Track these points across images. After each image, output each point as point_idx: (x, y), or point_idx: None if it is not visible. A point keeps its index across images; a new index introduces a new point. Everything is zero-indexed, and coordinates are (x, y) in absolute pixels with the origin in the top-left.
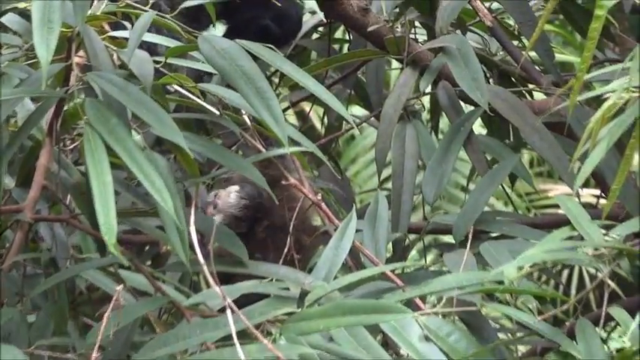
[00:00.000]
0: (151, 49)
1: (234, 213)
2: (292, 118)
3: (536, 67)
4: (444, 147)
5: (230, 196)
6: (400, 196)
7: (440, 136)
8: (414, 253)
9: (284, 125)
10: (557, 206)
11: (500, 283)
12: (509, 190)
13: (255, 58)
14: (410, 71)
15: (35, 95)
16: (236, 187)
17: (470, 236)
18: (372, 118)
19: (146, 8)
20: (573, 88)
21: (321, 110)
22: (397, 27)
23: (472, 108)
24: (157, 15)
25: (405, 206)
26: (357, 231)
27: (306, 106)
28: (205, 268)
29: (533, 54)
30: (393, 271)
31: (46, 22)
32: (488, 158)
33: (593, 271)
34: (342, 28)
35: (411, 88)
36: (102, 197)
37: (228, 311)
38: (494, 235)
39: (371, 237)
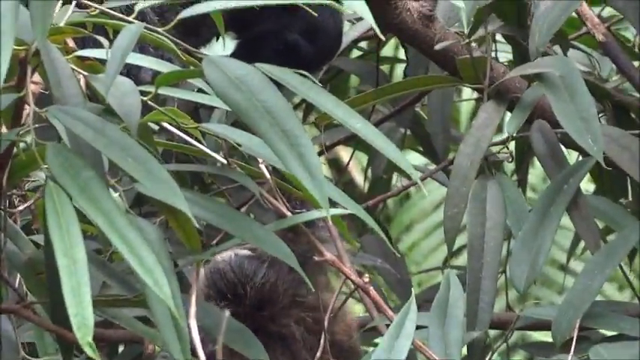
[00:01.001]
0: (133, 75)
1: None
2: (324, 168)
3: None
4: (541, 212)
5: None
6: (479, 280)
7: (530, 194)
8: (495, 356)
9: (322, 182)
10: None
11: None
12: (627, 269)
13: (279, 86)
14: (493, 106)
15: None
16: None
17: (575, 336)
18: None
19: (129, 18)
20: None
21: (363, 157)
22: (473, 44)
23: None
24: (145, 28)
25: (485, 295)
26: (417, 327)
27: (343, 151)
28: None
29: None
30: None
31: None
32: (600, 226)
33: None
34: (392, 42)
35: (494, 129)
36: (72, 279)
37: None
38: (608, 334)
39: (440, 336)
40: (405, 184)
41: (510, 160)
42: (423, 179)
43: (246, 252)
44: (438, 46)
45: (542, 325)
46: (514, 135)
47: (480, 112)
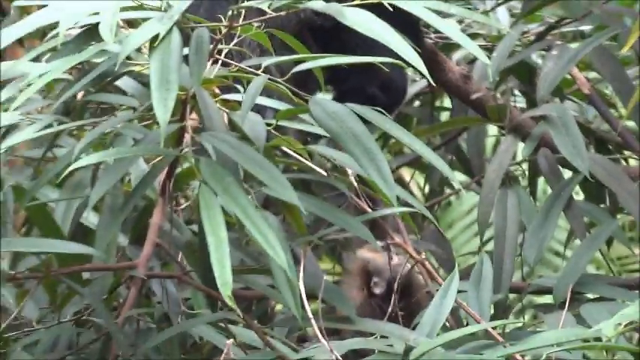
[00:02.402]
0: (260, 112)
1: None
2: None
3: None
4: (545, 211)
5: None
6: (502, 258)
7: (538, 202)
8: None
9: (393, 185)
10: None
11: (598, 340)
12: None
13: (364, 121)
14: (511, 138)
15: (152, 154)
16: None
17: (568, 298)
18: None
19: (258, 72)
20: None
21: (420, 179)
22: (497, 95)
23: (571, 174)
24: (269, 79)
25: (506, 268)
26: (459, 291)
27: (406, 173)
28: (314, 323)
29: (629, 122)
30: (494, 328)
31: (164, 83)
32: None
33: None
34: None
35: (512, 154)
36: (218, 251)
37: None
38: (592, 297)
39: (475, 297)
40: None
41: (523, 176)
42: (465, 187)
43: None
44: (474, 96)
45: (545, 292)
46: (526, 158)
47: (502, 142)
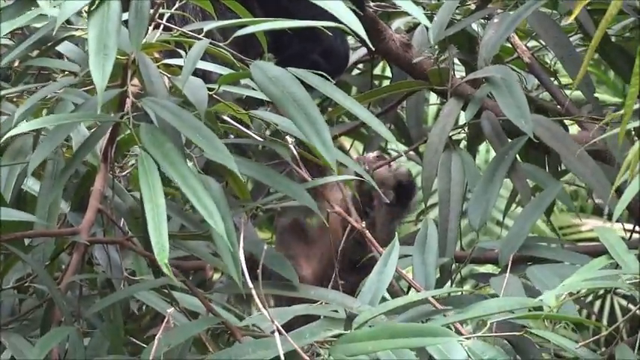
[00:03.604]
0: (204, 76)
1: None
2: None
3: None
4: (489, 175)
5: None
6: (447, 222)
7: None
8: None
9: (333, 150)
10: (589, 240)
11: (540, 309)
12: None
13: (305, 87)
14: (454, 102)
15: (90, 120)
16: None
17: (509, 263)
18: (411, 152)
19: (200, 36)
20: (622, 119)
21: (360, 147)
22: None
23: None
24: (210, 44)
25: (451, 233)
26: (405, 256)
27: (345, 142)
28: (255, 291)
29: (567, 91)
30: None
31: (102, 49)
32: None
33: (624, 302)
34: (380, 65)
35: (454, 118)
36: (155, 218)
37: (276, 334)
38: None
39: (421, 262)
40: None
41: (467, 140)
42: (406, 152)
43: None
44: (414, 61)
45: (487, 261)
46: (470, 122)
47: (445, 106)
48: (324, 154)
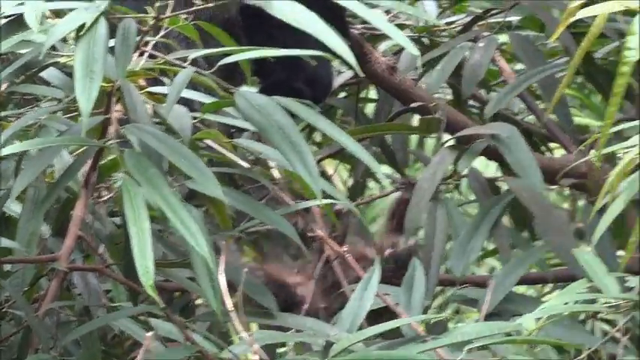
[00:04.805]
0: (187, 104)
1: None
2: None
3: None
4: (473, 228)
5: None
6: (430, 266)
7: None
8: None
9: (318, 179)
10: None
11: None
12: None
13: (290, 114)
14: (447, 152)
15: (74, 145)
16: None
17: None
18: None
19: (185, 65)
20: (599, 143)
21: (343, 173)
22: (423, 85)
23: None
24: (195, 72)
25: (432, 275)
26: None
27: (329, 166)
28: (235, 317)
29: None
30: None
31: (88, 73)
32: None
33: (606, 327)
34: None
35: (447, 167)
36: (140, 242)
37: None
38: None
39: (408, 299)
40: (376, 195)
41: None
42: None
43: None
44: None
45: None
46: (462, 174)
47: (438, 153)
48: (310, 183)
